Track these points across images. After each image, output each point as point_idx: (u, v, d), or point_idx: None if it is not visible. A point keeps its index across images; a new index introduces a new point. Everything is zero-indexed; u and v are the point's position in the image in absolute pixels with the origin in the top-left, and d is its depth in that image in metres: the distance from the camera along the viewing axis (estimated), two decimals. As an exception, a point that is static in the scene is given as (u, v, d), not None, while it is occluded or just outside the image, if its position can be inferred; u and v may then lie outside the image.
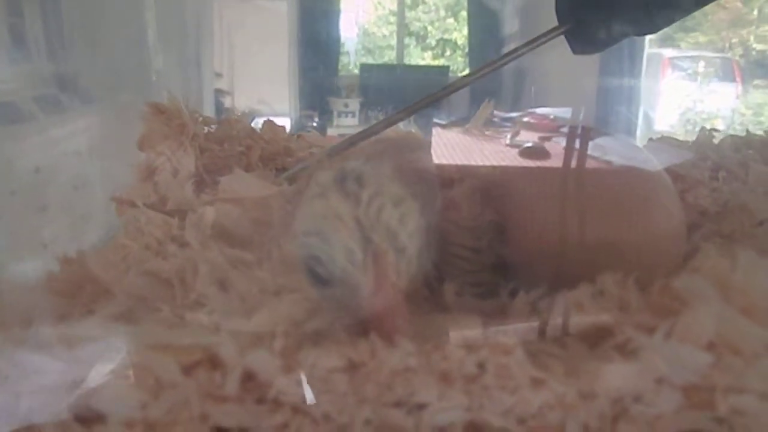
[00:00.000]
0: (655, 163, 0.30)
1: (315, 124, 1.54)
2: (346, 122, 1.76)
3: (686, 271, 0.21)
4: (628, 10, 0.41)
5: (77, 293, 0.24)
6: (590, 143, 0.42)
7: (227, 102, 1.22)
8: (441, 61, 2.15)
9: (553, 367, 0.19)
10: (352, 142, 0.40)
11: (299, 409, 0.17)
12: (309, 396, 0.18)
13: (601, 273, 0.22)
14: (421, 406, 0.18)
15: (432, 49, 2.14)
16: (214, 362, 0.18)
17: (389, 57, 2.06)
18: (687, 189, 0.35)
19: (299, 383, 0.17)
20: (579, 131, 0.37)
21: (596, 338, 0.20)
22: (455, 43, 2.12)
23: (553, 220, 0.25)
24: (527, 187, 0.27)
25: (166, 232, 0.30)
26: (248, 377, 0.18)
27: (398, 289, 0.20)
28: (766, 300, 0.20)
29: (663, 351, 0.18)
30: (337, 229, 0.20)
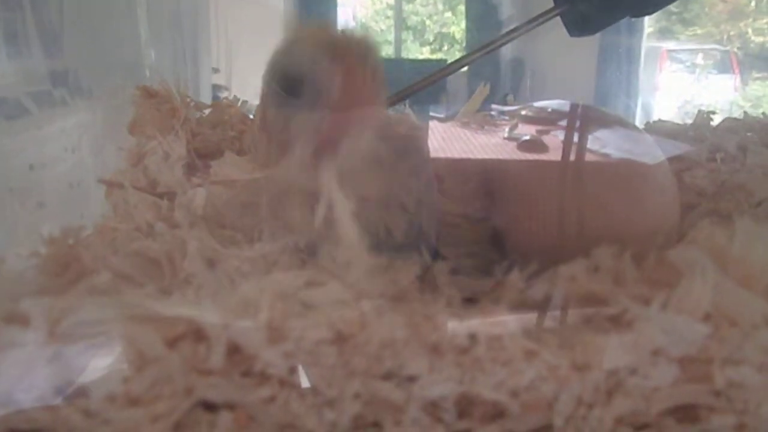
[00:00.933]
0: (656, 150, 0.30)
1: None
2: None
3: (683, 243, 0.20)
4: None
5: (63, 272, 0.24)
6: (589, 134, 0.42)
7: (224, 97, 1.22)
8: (439, 56, 2.15)
9: (546, 339, 0.18)
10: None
11: (286, 381, 0.17)
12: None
13: (597, 247, 0.22)
14: (412, 379, 0.17)
15: (430, 44, 2.13)
16: (198, 335, 0.17)
17: (387, 52, 2.05)
18: (684, 169, 0.35)
19: (286, 355, 0.17)
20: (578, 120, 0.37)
21: (591, 311, 0.20)
22: (453, 37, 2.11)
23: (550, 194, 0.25)
24: (524, 167, 0.27)
25: (156, 214, 0.30)
26: (234, 350, 0.17)
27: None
28: (764, 270, 0.19)
29: (659, 322, 0.18)
30: (304, 44, 0.23)
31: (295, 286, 0.20)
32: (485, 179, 0.29)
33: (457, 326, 0.18)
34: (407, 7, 2.12)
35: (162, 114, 0.38)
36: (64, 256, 0.25)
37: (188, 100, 0.41)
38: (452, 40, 2.21)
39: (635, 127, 0.36)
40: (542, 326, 0.19)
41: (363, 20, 2.13)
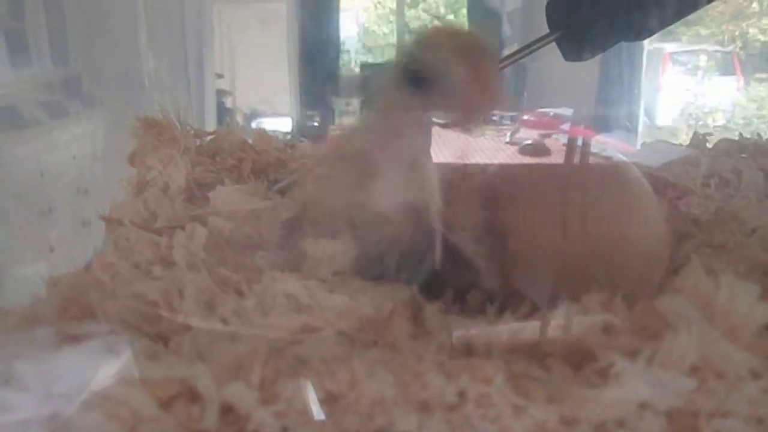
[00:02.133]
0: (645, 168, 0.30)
1: (317, 124, 1.53)
2: (348, 121, 1.75)
3: (670, 291, 0.21)
4: (617, 17, 0.41)
5: (65, 312, 0.24)
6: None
7: (228, 102, 1.22)
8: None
9: (534, 392, 0.18)
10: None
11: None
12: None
13: (588, 286, 0.22)
14: (401, 436, 0.18)
15: (432, 46, 2.13)
16: (192, 395, 0.18)
17: (390, 56, 2.06)
18: (679, 197, 0.35)
19: (278, 415, 0.17)
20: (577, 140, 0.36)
21: (580, 360, 0.20)
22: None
23: (545, 227, 0.25)
24: (521, 195, 0.27)
25: (155, 252, 0.30)
26: (227, 410, 0.17)
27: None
28: (748, 321, 0.19)
29: (645, 376, 0.18)
30: (440, 42, 0.24)
31: (289, 340, 0.20)
32: (490, 189, 0.29)
33: (444, 384, 0.18)
34: (410, 12, 2.12)
35: (163, 144, 0.39)
36: (66, 298, 0.25)
37: (189, 128, 0.41)
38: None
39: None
40: (531, 376, 0.19)
41: (366, 25, 2.14)
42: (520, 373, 0.20)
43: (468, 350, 0.22)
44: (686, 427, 0.19)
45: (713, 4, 0.42)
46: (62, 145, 0.47)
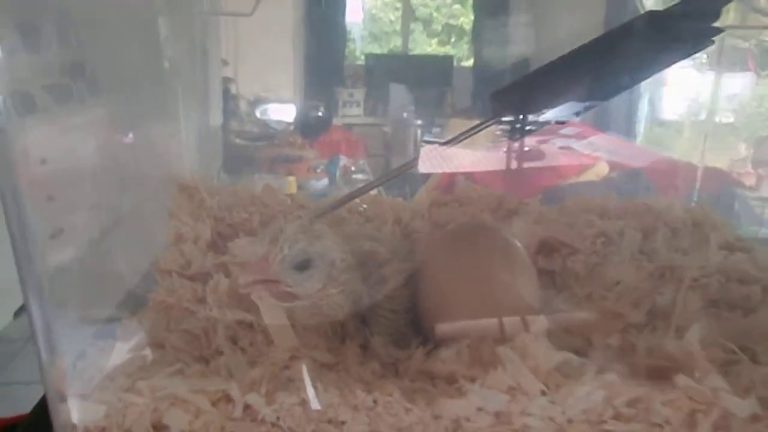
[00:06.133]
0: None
1: (321, 114, 1.68)
2: (351, 112, 1.89)
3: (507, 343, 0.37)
4: (550, 104, 0.56)
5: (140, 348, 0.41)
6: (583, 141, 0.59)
7: (233, 89, 1.35)
8: (447, 48, 2.27)
9: (418, 400, 0.35)
10: (333, 205, 0.56)
11: (275, 424, 0.34)
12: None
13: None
14: (342, 423, 0.34)
15: (438, 35, 2.26)
16: (228, 399, 0.34)
17: (395, 43, 2.18)
18: (570, 254, 0.51)
19: (280, 409, 0.34)
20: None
21: (451, 381, 0.37)
22: (462, 28, 2.24)
23: (432, 294, 0.42)
24: (425, 273, 0.44)
25: (193, 295, 0.47)
26: (247, 407, 0.34)
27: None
28: (546, 363, 0.36)
29: (480, 393, 0.35)
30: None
31: (282, 366, 0.37)
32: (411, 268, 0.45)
33: (365, 396, 0.34)
34: (416, 0, 2.25)
35: (193, 204, 0.55)
36: (138, 333, 0.42)
37: (212, 189, 0.57)
38: (461, 32, 2.33)
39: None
40: (420, 390, 0.36)
41: (372, 11, 2.27)
42: (416, 388, 0.37)
43: (393, 372, 0.39)
44: (506, 421, 0.35)
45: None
46: (67, 131, 0.47)
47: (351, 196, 0.57)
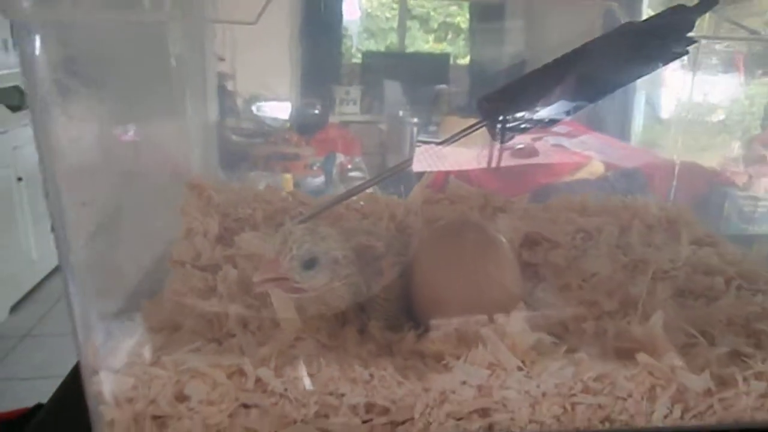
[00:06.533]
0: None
1: (317, 111, 1.71)
2: (348, 110, 1.93)
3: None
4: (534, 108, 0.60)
5: (162, 327, 0.46)
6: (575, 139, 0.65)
7: (230, 86, 1.38)
8: (443, 45, 2.32)
9: (410, 375, 0.40)
10: (332, 202, 0.61)
11: (282, 395, 0.39)
12: (308, 384, 0.39)
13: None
14: (341, 395, 0.39)
15: (434, 32, 2.30)
16: (241, 373, 0.39)
17: (392, 40, 2.23)
18: (550, 249, 0.56)
19: (287, 381, 0.39)
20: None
21: (439, 358, 0.41)
22: (458, 26, 2.29)
23: (423, 284, 0.47)
24: (417, 265, 0.48)
25: (205, 284, 0.51)
26: (258, 380, 0.39)
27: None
28: (522, 342, 0.41)
29: (464, 369, 0.40)
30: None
31: (288, 344, 0.42)
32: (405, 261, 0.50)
33: (363, 371, 0.39)
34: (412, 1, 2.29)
35: (202, 201, 0.60)
36: (158, 317, 0.47)
37: (218, 187, 0.62)
38: (457, 29, 2.38)
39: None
40: (411, 366, 0.41)
41: (369, 10, 2.31)
42: (408, 365, 0.41)
43: (388, 352, 0.44)
44: (485, 394, 0.40)
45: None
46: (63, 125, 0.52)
47: (349, 194, 0.62)
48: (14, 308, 2.22)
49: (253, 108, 1.35)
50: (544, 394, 0.40)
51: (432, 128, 1.38)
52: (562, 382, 0.40)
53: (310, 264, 0.43)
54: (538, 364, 0.40)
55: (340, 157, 1.30)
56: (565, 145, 0.91)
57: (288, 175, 1.18)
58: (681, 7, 0.51)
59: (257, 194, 0.65)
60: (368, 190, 0.67)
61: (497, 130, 0.61)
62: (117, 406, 0.39)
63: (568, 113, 0.61)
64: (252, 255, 0.55)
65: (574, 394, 0.41)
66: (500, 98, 0.61)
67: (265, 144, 1.22)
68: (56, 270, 2.94)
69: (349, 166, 1.29)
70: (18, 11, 0.30)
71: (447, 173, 0.76)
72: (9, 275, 2.16)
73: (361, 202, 0.67)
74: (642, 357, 0.41)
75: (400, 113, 1.55)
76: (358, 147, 1.45)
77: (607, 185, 1.03)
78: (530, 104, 0.60)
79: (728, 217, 1.13)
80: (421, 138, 1.35)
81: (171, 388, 0.39)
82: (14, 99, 2.11)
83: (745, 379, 0.42)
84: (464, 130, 0.62)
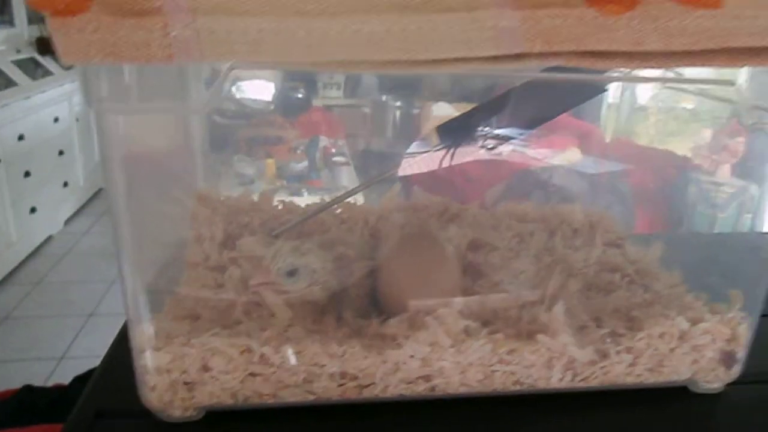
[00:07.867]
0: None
1: (300, 96, 1.83)
2: (331, 94, 2.05)
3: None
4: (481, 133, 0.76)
5: (183, 318, 0.61)
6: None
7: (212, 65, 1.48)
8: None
9: (372, 351, 0.56)
10: (318, 210, 0.76)
11: (279, 366, 0.55)
12: (292, 360, 0.55)
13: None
14: (322, 366, 0.55)
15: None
16: (249, 350, 0.55)
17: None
18: (490, 251, 0.72)
19: (283, 358, 0.55)
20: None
21: (394, 338, 0.58)
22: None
23: (387, 282, 0.63)
24: (383, 266, 0.65)
25: (214, 282, 0.67)
26: (262, 355, 0.55)
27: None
28: (454, 326, 0.57)
29: (412, 346, 0.56)
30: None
31: (283, 331, 0.58)
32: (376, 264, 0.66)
33: (337, 348, 0.55)
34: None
35: (208, 210, 0.75)
36: (181, 309, 0.63)
37: (223, 198, 0.77)
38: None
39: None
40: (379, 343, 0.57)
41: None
42: (372, 344, 0.58)
43: (358, 335, 0.60)
44: (427, 365, 0.56)
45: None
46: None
47: (332, 203, 0.78)
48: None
49: (234, 89, 1.46)
50: (470, 364, 0.57)
51: (414, 111, 1.48)
52: (483, 356, 0.57)
53: (292, 273, 0.59)
54: (466, 343, 0.57)
55: (324, 141, 1.37)
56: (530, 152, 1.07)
57: (270, 161, 1.25)
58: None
59: (253, 204, 0.80)
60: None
61: (451, 150, 0.77)
62: (158, 374, 0.55)
63: (511, 137, 0.77)
64: (251, 257, 0.71)
65: (492, 364, 0.57)
66: (454, 126, 0.76)
67: (249, 126, 1.24)
68: (36, 252, 3.05)
69: (333, 150, 1.37)
70: (99, 103, 0.45)
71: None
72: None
73: (339, 210, 0.82)
74: (541, 337, 0.58)
75: (383, 98, 1.69)
76: (341, 130, 1.55)
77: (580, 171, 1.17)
78: (476, 130, 0.76)
79: (694, 200, 1.29)
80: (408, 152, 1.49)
81: (198, 362, 0.55)
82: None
83: (617, 353, 0.59)
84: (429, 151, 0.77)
